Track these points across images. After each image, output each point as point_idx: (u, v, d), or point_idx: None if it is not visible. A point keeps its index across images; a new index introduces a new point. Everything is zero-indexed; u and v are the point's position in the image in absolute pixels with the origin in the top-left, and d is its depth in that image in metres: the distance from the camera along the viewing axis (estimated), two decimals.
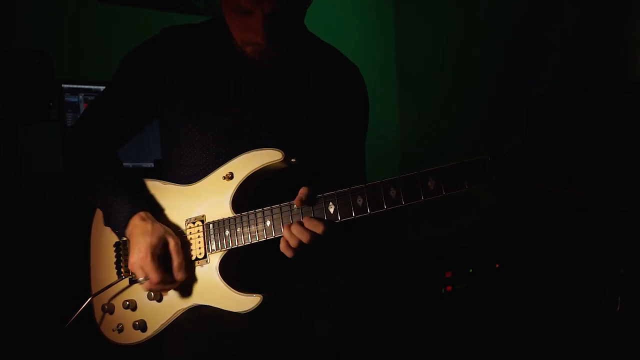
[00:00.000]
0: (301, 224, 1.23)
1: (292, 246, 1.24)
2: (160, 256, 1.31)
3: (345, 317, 1.30)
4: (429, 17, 3.61)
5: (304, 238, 1.22)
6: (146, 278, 1.30)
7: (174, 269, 1.31)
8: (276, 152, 1.29)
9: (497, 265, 2.76)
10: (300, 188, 1.25)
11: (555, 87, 2.76)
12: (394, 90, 3.82)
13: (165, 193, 1.42)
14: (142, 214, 1.35)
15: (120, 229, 1.37)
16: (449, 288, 2.64)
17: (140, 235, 1.31)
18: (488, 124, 3.14)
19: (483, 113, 3.21)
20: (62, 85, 2.31)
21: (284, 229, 1.24)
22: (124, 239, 1.40)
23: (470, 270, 2.72)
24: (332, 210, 1.23)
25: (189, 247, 1.35)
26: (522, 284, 2.51)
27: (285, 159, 1.29)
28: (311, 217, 1.23)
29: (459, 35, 3.41)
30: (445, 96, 3.50)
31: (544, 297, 2.39)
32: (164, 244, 1.32)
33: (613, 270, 2.18)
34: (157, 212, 1.40)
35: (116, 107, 1.46)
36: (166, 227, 1.35)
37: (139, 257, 1.30)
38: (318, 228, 1.22)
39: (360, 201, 1.20)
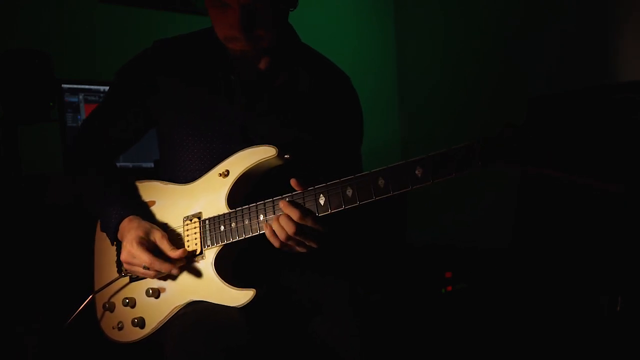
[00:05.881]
0: (288, 216, 1.23)
1: (281, 239, 1.24)
2: (149, 246, 1.32)
3: (344, 317, 1.31)
4: (429, 17, 3.61)
5: (289, 229, 1.22)
6: (145, 267, 1.31)
7: (165, 250, 1.32)
8: (270, 148, 1.31)
9: (497, 266, 2.76)
10: (291, 182, 1.25)
11: (556, 88, 2.76)
12: (394, 90, 3.82)
13: (164, 192, 1.44)
14: (130, 217, 1.38)
15: (111, 234, 1.40)
16: (449, 288, 2.65)
17: (127, 233, 1.34)
18: (488, 125, 3.11)
19: (483, 113, 3.21)
20: (62, 85, 2.31)
21: (274, 223, 1.25)
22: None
23: (470, 271, 2.72)
24: (322, 203, 1.23)
25: (186, 244, 1.37)
26: (522, 284, 2.51)
27: (279, 155, 1.30)
28: (286, 200, 1.23)
29: (459, 36, 3.41)
30: (445, 97, 3.50)
31: (544, 297, 2.39)
32: (150, 238, 1.34)
33: (613, 270, 2.18)
34: (150, 214, 1.42)
35: (114, 116, 1.50)
36: (152, 225, 1.37)
37: (127, 249, 1.32)
38: (293, 213, 1.22)
39: (349, 192, 1.20)
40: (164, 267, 1.32)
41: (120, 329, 1.40)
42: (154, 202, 1.45)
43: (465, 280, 2.71)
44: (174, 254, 1.32)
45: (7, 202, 1.98)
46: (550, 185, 2.42)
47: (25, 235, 1.93)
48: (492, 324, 2.52)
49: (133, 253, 1.31)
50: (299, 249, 1.27)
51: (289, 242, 1.25)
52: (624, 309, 2.11)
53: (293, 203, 1.24)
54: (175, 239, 1.37)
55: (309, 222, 1.22)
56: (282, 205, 1.23)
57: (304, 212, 1.22)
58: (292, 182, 1.25)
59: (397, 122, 3.81)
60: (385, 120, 3.73)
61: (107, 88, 2.24)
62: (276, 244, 1.26)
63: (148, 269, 1.31)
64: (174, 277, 1.36)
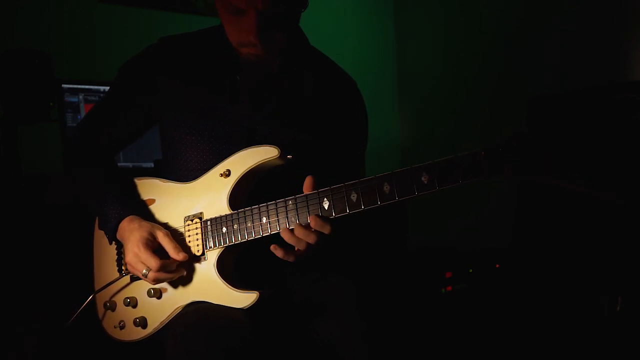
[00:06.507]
0: (305, 226, 1.22)
1: (301, 248, 1.24)
2: (154, 248, 1.32)
3: (347, 317, 1.30)
4: (429, 17, 3.62)
5: (311, 239, 1.22)
6: (148, 269, 1.30)
7: (170, 253, 1.31)
8: (272, 148, 1.30)
9: (497, 266, 2.76)
10: (305, 180, 1.25)
11: (556, 88, 2.76)
12: (394, 91, 3.82)
13: (165, 191, 1.44)
14: (130, 217, 1.37)
15: (110, 234, 1.39)
16: (449, 288, 2.65)
17: (130, 234, 1.33)
18: (488, 125, 3.14)
19: (483, 114, 3.21)
20: (62, 85, 2.31)
21: (284, 234, 1.24)
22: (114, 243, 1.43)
23: (470, 270, 2.72)
24: (326, 207, 1.22)
25: (188, 245, 1.36)
26: (522, 284, 2.51)
27: (282, 156, 1.30)
28: (318, 215, 1.22)
29: (459, 36, 3.41)
30: (445, 97, 3.50)
31: (544, 297, 2.39)
32: (154, 238, 1.33)
33: (613, 270, 2.18)
34: (150, 213, 1.42)
35: (114, 114, 1.49)
36: (154, 223, 1.36)
37: (133, 252, 1.31)
38: (325, 228, 1.21)
39: (354, 197, 1.19)
40: (170, 276, 1.31)
41: (122, 328, 1.40)
42: (153, 201, 1.44)
43: (465, 280, 2.71)
44: (178, 256, 1.31)
45: (7, 202, 1.98)
46: (549, 187, 2.43)
47: (25, 235, 1.93)
48: (492, 324, 2.52)
49: (140, 256, 1.30)
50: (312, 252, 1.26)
51: (305, 252, 1.25)
52: (624, 309, 2.11)
53: (324, 219, 1.22)
54: (177, 239, 1.36)
55: (326, 230, 1.22)
56: (312, 220, 1.22)
57: (332, 224, 1.22)
58: (308, 179, 1.24)
59: (397, 122, 3.81)
60: (385, 120, 3.73)
61: (107, 88, 2.24)
62: (291, 259, 1.25)
63: (146, 275, 1.30)
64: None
